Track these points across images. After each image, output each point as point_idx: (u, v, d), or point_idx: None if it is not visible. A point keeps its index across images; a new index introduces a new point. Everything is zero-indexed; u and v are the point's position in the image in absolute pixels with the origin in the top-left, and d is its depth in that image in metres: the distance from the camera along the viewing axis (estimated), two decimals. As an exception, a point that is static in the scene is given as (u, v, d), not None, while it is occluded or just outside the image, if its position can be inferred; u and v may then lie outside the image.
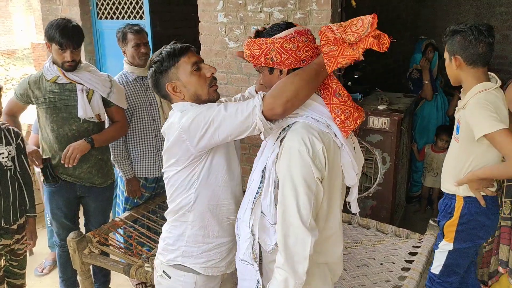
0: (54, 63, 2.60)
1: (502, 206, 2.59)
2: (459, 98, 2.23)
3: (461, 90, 2.21)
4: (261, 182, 1.52)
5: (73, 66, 2.58)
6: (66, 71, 2.58)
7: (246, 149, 3.51)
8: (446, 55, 2.16)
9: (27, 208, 2.62)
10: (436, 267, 2.33)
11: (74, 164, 2.59)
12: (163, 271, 1.84)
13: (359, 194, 3.32)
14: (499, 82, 2.12)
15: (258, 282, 1.56)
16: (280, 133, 1.49)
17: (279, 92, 1.44)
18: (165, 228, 1.86)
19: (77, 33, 2.54)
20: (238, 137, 1.55)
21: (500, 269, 2.71)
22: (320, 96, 1.51)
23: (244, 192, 1.76)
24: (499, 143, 1.91)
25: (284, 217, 1.43)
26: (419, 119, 4.18)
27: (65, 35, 2.48)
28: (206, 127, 1.52)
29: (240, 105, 1.50)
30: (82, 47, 4.33)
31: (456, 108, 2.21)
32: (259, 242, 1.56)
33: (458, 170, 2.17)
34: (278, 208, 1.45)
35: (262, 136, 1.54)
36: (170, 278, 1.82)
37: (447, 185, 2.28)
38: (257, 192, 1.53)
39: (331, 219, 1.54)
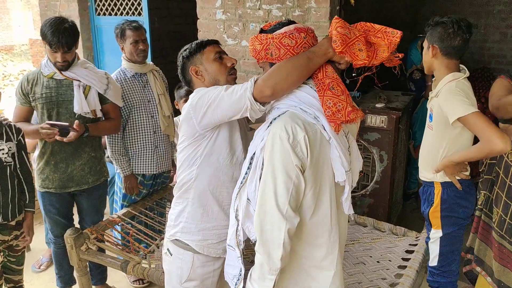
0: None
1: (478, 195, 2.69)
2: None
3: (433, 79, 2.34)
4: (248, 168, 1.55)
5: (65, 66, 2.57)
6: (59, 70, 2.58)
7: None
8: (425, 43, 2.28)
9: (27, 202, 2.61)
10: (433, 259, 2.38)
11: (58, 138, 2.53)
12: (167, 249, 1.95)
13: (356, 192, 3.36)
14: (467, 73, 2.25)
15: (241, 270, 1.59)
16: (270, 122, 1.52)
17: (269, 75, 1.53)
18: (171, 205, 1.98)
19: (69, 34, 2.49)
20: (234, 117, 1.65)
21: (467, 255, 2.81)
22: (315, 90, 1.54)
23: None
24: (473, 124, 2.02)
25: (262, 201, 1.46)
26: (420, 117, 4.18)
27: (56, 37, 2.45)
28: (208, 105, 1.65)
29: (236, 86, 1.62)
30: (80, 43, 4.32)
31: (429, 98, 2.31)
32: (243, 230, 1.59)
33: (433, 156, 2.27)
34: (258, 192, 1.49)
35: (249, 117, 1.62)
36: (171, 255, 1.93)
37: (425, 173, 2.36)
38: (244, 178, 1.56)
39: (320, 217, 1.54)
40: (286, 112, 1.50)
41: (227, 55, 1.91)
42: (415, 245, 2.62)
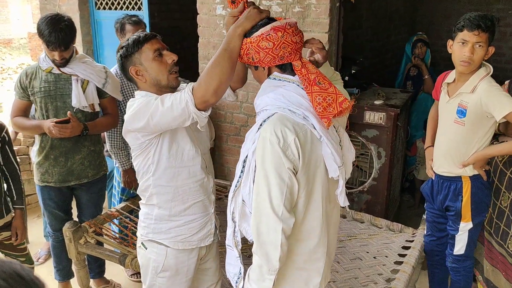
0: None
1: None
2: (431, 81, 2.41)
3: (456, 75, 2.32)
4: (241, 171, 1.55)
5: (63, 63, 2.57)
6: (56, 66, 2.58)
7: (242, 142, 3.52)
8: (485, 43, 2.21)
9: (14, 200, 2.58)
10: (461, 248, 2.47)
11: (58, 135, 2.54)
12: (142, 243, 1.98)
13: (354, 188, 3.37)
14: (491, 67, 2.29)
15: (241, 268, 1.61)
16: (261, 125, 1.51)
17: (206, 84, 1.56)
18: (140, 206, 2.03)
19: (66, 34, 2.48)
20: (180, 126, 1.69)
21: None
22: (303, 88, 1.52)
23: (209, 171, 1.97)
24: None
25: (257, 205, 1.47)
26: (415, 112, 4.20)
27: (54, 37, 2.44)
28: (146, 121, 1.66)
29: (174, 99, 1.62)
30: (80, 37, 4.32)
31: (458, 92, 2.28)
32: (240, 231, 1.60)
33: (464, 151, 2.32)
34: (253, 196, 1.49)
35: (198, 126, 1.67)
36: (146, 249, 1.96)
37: (449, 168, 2.39)
38: (238, 181, 1.57)
39: (312, 213, 1.54)
40: (275, 114, 1.49)
41: (168, 49, 1.84)
42: (412, 241, 2.64)
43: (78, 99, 2.60)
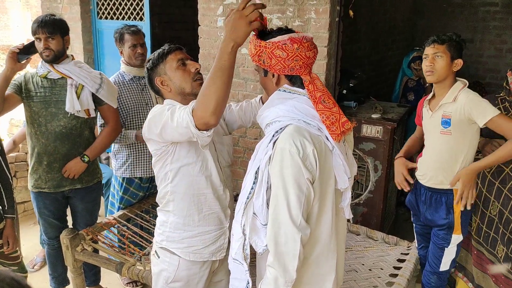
0: None
1: None
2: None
3: (435, 87, 2.44)
4: (254, 183, 1.55)
5: (51, 56, 2.55)
6: (46, 62, 2.58)
7: (241, 152, 3.55)
8: (444, 53, 2.33)
9: (5, 209, 2.55)
10: (447, 263, 2.52)
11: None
12: (155, 251, 1.99)
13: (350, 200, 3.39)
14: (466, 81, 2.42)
15: (248, 283, 1.59)
16: (273, 136, 1.52)
17: (203, 105, 1.54)
18: (158, 213, 2.03)
19: (52, 22, 2.51)
20: (190, 140, 1.70)
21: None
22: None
23: (227, 185, 1.97)
24: (501, 124, 2.22)
25: (275, 216, 1.46)
26: (412, 129, 4.23)
27: (37, 24, 2.48)
28: (159, 129, 1.72)
29: (178, 117, 1.63)
30: (81, 46, 4.36)
31: (441, 104, 2.37)
32: (250, 243, 1.59)
33: (453, 161, 2.38)
34: (269, 207, 1.49)
35: (199, 145, 1.66)
36: (159, 257, 1.97)
37: (440, 181, 2.45)
38: (250, 193, 1.56)
39: (323, 224, 1.56)
40: (290, 125, 1.50)
41: (191, 59, 1.91)
42: (407, 254, 2.65)
43: (72, 104, 2.59)
